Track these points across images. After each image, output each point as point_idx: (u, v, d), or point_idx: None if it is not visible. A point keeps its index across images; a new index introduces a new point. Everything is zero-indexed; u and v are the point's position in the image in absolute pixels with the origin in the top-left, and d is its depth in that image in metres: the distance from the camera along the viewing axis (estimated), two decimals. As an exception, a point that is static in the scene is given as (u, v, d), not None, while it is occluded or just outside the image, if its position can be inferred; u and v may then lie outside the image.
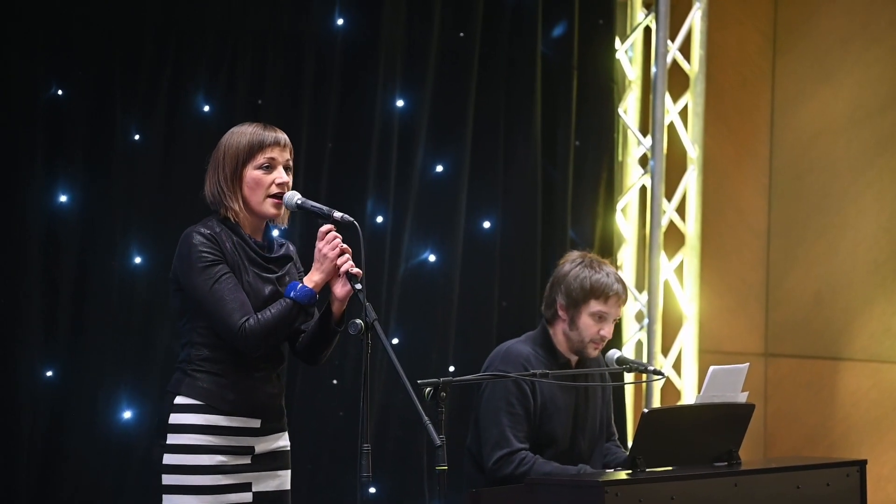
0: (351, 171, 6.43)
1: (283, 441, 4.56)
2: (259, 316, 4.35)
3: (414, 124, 6.56)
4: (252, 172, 4.44)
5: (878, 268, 7.28)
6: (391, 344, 4.31)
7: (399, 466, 6.38)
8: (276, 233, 4.60)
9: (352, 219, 4.35)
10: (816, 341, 7.41)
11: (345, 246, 4.36)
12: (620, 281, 5.29)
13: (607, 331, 5.27)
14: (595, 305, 5.24)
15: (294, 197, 4.45)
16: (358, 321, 4.23)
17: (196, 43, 6.10)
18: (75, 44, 5.88)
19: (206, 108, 6.11)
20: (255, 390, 4.43)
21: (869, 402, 7.29)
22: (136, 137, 6.00)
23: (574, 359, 5.32)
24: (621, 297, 5.27)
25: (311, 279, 4.38)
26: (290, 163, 4.48)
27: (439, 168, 6.65)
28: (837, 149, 7.39)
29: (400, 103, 6.53)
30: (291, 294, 4.36)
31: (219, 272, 4.37)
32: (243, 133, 4.47)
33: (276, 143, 4.45)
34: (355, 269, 4.34)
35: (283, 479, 4.54)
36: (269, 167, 4.44)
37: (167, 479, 4.40)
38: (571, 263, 5.32)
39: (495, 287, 6.74)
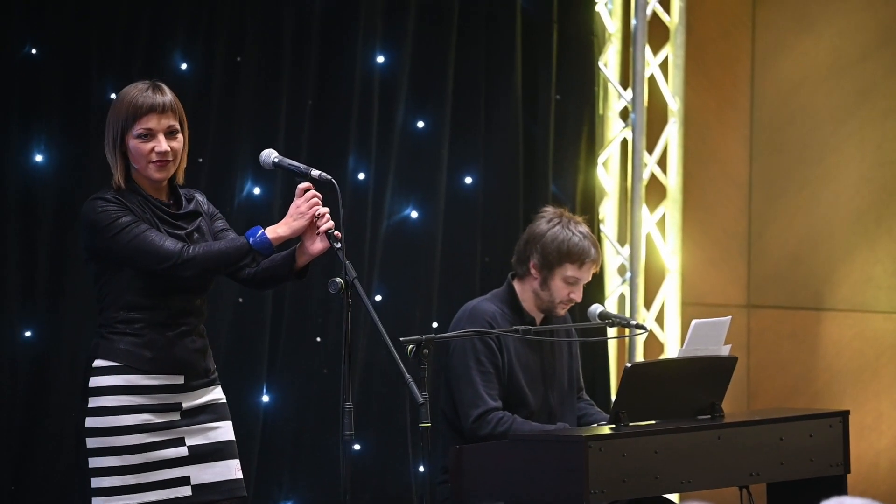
0: (332, 129, 6.40)
1: (214, 394, 4.46)
2: (205, 246, 4.31)
3: (395, 81, 6.52)
4: (132, 142, 4.35)
5: (860, 217, 7.27)
6: (373, 302, 4.29)
7: (383, 424, 6.38)
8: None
9: (330, 177, 4.32)
10: (799, 292, 7.42)
11: (324, 209, 4.33)
12: (595, 244, 5.26)
13: (577, 294, 5.24)
14: (570, 270, 5.21)
15: (271, 155, 4.42)
16: (338, 279, 4.22)
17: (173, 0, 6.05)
18: (50, 1, 5.82)
19: (184, 67, 6.06)
20: (174, 346, 4.36)
21: (851, 352, 7.30)
22: (113, 97, 5.93)
23: (540, 317, 5.29)
24: (596, 263, 5.26)
25: (276, 231, 4.33)
26: (177, 125, 4.36)
27: (420, 124, 6.62)
28: (818, 99, 7.37)
29: (380, 59, 6.49)
30: (250, 239, 4.32)
31: (133, 220, 4.30)
32: (123, 100, 4.37)
33: (153, 110, 4.33)
34: (329, 226, 4.31)
35: (221, 430, 4.44)
36: (147, 136, 4.34)
37: (91, 443, 4.31)
38: (549, 223, 5.27)
39: (477, 243, 6.73)
